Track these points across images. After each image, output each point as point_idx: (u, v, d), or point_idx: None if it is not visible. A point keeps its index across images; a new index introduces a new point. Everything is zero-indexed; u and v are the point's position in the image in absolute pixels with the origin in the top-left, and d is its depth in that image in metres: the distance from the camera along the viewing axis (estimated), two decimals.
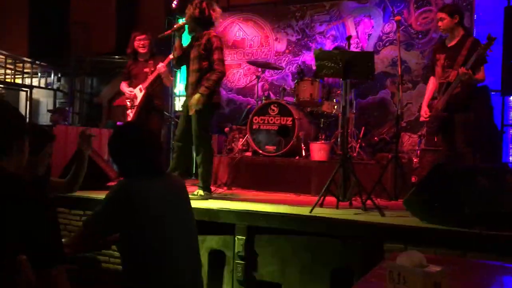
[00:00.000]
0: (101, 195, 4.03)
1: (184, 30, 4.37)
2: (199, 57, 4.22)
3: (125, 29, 9.57)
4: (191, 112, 4.15)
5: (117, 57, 9.43)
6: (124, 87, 5.26)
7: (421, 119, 4.42)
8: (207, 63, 4.20)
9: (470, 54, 4.01)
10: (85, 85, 10.10)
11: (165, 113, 7.26)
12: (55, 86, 10.31)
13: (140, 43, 5.18)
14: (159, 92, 5.25)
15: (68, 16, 10.06)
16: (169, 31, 4.51)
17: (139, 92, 5.11)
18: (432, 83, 4.42)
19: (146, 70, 5.06)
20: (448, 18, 4.19)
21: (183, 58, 4.39)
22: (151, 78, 5.04)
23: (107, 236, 2.01)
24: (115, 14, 9.49)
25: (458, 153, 4.11)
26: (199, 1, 4.21)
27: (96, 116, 9.99)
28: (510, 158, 5.65)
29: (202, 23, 4.26)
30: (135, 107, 5.09)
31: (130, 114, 5.15)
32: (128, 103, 5.18)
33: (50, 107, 9.63)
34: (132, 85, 5.20)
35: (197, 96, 4.09)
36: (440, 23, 4.27)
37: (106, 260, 2.70)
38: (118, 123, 8.11)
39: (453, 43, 4.25)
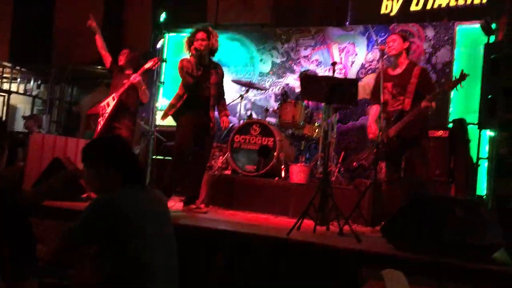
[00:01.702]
0: (75, 206, 3.97)
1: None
2: (218, 84, 4.69)
3: (111, 41, 9.55)
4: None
5: (100, 67, 9.32)
6: None
7: (370, 137, 4.46)
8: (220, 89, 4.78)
9: (420, 82, 4.19)
10: (65, 94, 9.96)
11: (145, 126, 7.22)
12: (34, 93, 10.13)
13: (119, 56, 5.20)
14: (133, 104, 5.10)
15: (52, 23, 9.96)
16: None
17: (111, 101, 5.00)
18: (376, 109, 4.47)
19: (125, 81, 4.97)
20: (400, 40, 4.32)
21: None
22: (124, 87, 4.93)
23: (83, 247, 1.96)
24: (101, 24, 9.44)
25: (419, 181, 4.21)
26: (216, 34, 4.64)
27: (74, 125, 9.83)
28: (485, 191, 5.75)
29: (213, 54, 4.71)
30: (107, 114, 4.96)
31: (101, 121, 5.02)
32: (100, 111, 5.07)
33: (28, 113, 9.44)
34: (109, 94, 5.13)
35: (227, 118, 4.76)
36: (391, 44, 4.35)
37: (81, 273, 2.63)
38: None
39: (398, 71, 4.37)
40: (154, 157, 7.07)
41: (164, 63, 8.19)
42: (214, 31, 4.64)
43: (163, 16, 7.91)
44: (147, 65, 4.97)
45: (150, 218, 1.97)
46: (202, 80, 4.55)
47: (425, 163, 4.31)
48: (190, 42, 4.59)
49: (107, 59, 5.22)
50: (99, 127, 5.00)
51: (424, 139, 4.35)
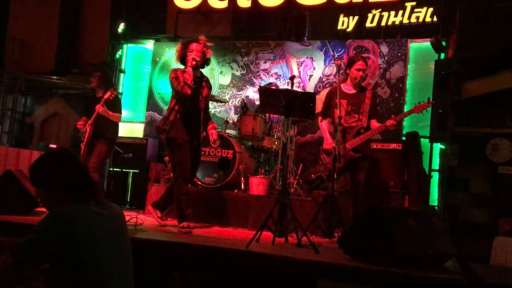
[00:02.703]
0: (27, 220, 3.83)
1: None
2: (207, 97, 4.67)
3: (67, 50, 9.36)
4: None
5: (55, 77, 9.13)
6: None
7: (326, 147, 4.67)
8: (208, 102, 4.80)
9: (372, 104, 4.62)
10: (18, 104, 9.63)
11: None
12: None
13: (91, 78, 5.57)
14: (106, 124, 5.37)
15: (5, 31, 9.67)
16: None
17: (87, 128, 5.31)
18: (325, 124, 4.80)
19: (97, 106, 5.23)
20: (366, 70, 4.67)
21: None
22: (93, 116, 5.25)
23: (36, 267, 1.89)
24: (56, 34, 9.26)
25: (362, 192, 4.55)
26: (208, 46, 4.59)
27: (27, 137, 9.52)
28: (436, 202, 5.96)
29: (204, 66, 4.67)
30: (85, 140, 5.29)
31: (82, 146, 5.32)
32: (82, 137, 5.41)
33: None
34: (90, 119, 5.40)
35: (215, 131, 4.64)
36: (363, 74, 4.66)
37: None
38: (50, 145, 7.81)
39: (353, 91, 4.68)
40: (111, 169, 6.94)
41: (122, 74, 8.09)
42: (207, 43, 4.58)
43: (121, 27, 7.84)
44: (106, 96, 5.23)
45: (105, 233, 1.93)
46: (196, 93, 4.47)
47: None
48: (184, 52, 4.49)
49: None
50: (81, 152, 5.27)
51: (371, 153, 4.76)
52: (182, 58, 4.52)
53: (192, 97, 4.40)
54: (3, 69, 9.35)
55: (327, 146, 4.65)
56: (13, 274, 1.88)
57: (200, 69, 4.63)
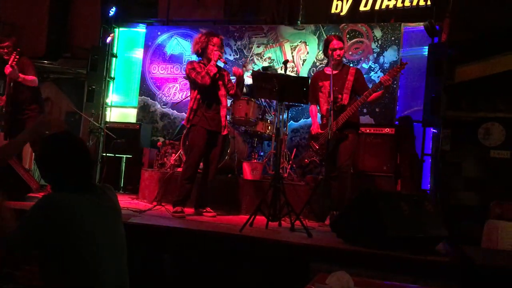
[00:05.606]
0: (21, 206, 3.82)
1: None
2: (229, 81, 4.73)
3: (57, 35, 9.25)
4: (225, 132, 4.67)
5: (46, 62, 9.03)
6: None
7: (314, 132, 4.63)
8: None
9: (356, 80, 4.47)
10: None
11: (95, 123, 7.05)
12: None
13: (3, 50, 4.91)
14: (24, 94, 4.97)
15: None
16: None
17: (3, 99, 4.97)
18: (315, 109, 4.75)
19: (6, 67, 4.79)
20: (343, 48, 4.53)
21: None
22: (6, 85, 4.85)
23: (28, 253, 1.88)
24: (47, 18, 9.13)
25: (341, 170, 4.43)
26: None
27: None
28: (429, 185, 6.01)
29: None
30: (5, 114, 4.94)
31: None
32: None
33: None
34: None
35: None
36: (341, 52, 4.50)
37: (25, 275, 2.54)
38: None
39: (336, 71, 4.54)
40: (104, 154, 6.92)
41: (114, 59, 8.02)
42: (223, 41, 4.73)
43: (113, 10, 7.75)
44: (11, 59, 4.75)
45: (98, 218, 1.91)
46: (215, 82, 4.55)
47: (351, 155, 4.53)
48: (205, 44, 4.55)
49: None
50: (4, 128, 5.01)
51: (356, 133, 4.58)
52: (203, 49, 4.56)
53: (210, 86, 4.47)
54: None
55: (313, 132, 4.64)
56: (6, 259, 1.87)
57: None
